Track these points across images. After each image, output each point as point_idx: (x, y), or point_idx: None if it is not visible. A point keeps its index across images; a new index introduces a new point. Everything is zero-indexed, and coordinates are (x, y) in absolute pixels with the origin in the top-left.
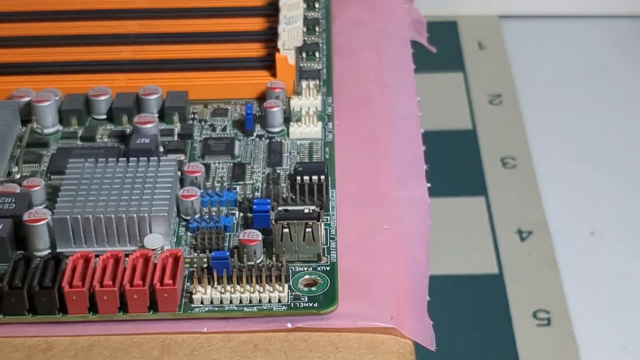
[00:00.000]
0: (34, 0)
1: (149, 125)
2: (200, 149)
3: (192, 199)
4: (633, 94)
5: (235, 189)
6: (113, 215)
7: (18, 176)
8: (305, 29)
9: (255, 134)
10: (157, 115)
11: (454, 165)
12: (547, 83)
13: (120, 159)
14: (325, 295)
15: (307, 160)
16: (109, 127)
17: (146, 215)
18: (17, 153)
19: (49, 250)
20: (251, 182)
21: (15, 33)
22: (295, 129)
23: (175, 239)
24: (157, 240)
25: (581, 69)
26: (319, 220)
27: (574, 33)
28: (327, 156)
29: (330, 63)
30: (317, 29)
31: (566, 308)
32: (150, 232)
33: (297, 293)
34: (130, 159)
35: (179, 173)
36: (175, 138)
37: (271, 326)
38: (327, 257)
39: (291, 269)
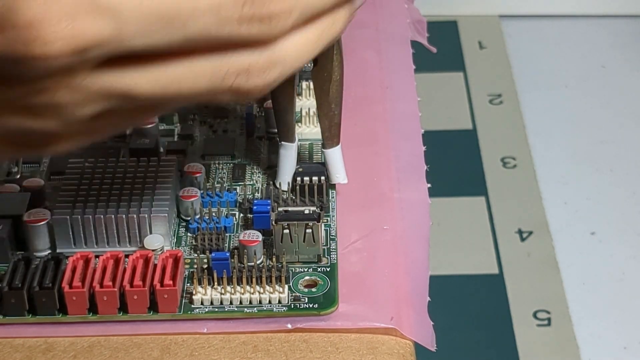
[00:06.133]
0: None
1: (149, 125)
2: (200, 149)
3: (192, 199)
4: (633, 94)
5: (235, 189)
6: (113, 216)
7: (18, 176)
8: None
9: (255, 134)
10: None
11: (454, 165)
12: (547, 83)
13: (120, 159)
14: (326, 296)
15: (307, 161)
16: None
17: (146, 215)
18: None
19: (49, 251)
20: (251, 182)
21: None
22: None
23: (175, 240)
24: (157, 241)
25: (581, 69)
26: (319, 221)
27: (574, 33)
28: None
29: None
30: None
31: (566, 308)
32: (151, 232)
33: (297, 294)
34: (130, 159)
35: (179, 173)
36: (175, 138)
37: (271, 327)
38: (327, 258)
39: (291, 270)
